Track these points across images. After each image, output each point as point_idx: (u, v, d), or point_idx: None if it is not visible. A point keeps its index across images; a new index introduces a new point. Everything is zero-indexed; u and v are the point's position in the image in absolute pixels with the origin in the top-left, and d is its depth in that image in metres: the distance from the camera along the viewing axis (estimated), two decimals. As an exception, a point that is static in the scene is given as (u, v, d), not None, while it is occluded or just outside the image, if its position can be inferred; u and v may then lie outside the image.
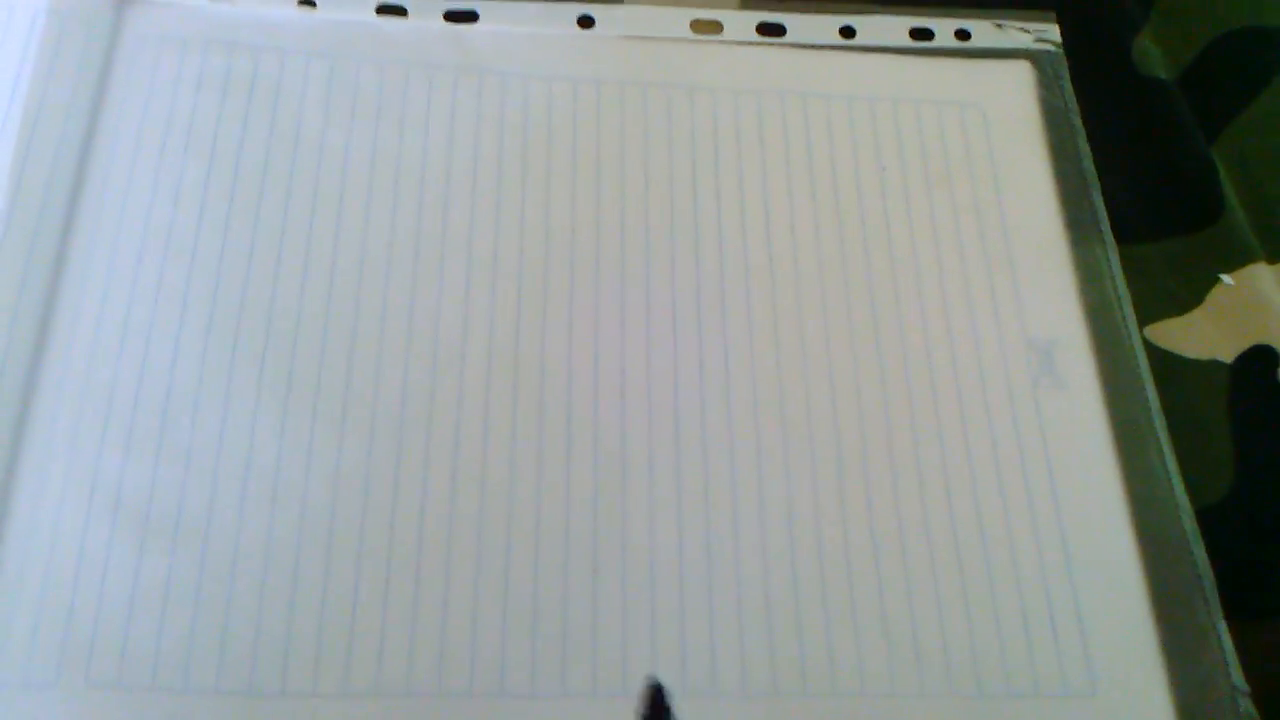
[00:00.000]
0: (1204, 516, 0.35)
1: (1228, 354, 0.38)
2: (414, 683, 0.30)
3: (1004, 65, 0.43)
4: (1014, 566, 0.33)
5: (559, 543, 0.32)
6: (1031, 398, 0.36)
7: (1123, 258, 0.39)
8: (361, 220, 0.36)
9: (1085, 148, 0.41)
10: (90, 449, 0.32)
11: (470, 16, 0.40)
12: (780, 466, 0.34)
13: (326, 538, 0.32)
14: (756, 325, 0.36)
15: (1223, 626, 0.33)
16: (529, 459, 0.33)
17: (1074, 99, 0.42)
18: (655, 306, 0.36)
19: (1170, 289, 0.39)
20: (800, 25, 0.42)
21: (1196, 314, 0.39)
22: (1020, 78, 0.43)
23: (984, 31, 0.43)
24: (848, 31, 0.42)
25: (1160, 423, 0.36)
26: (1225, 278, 0.40)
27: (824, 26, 0.42)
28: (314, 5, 0.40)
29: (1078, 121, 0.42)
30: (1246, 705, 0.32)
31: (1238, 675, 0.32)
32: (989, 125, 0.41)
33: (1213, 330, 0.39)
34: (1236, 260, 0.40)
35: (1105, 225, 0.40)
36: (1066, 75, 0.43)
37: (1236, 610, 0.33)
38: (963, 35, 0.43)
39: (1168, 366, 0.38)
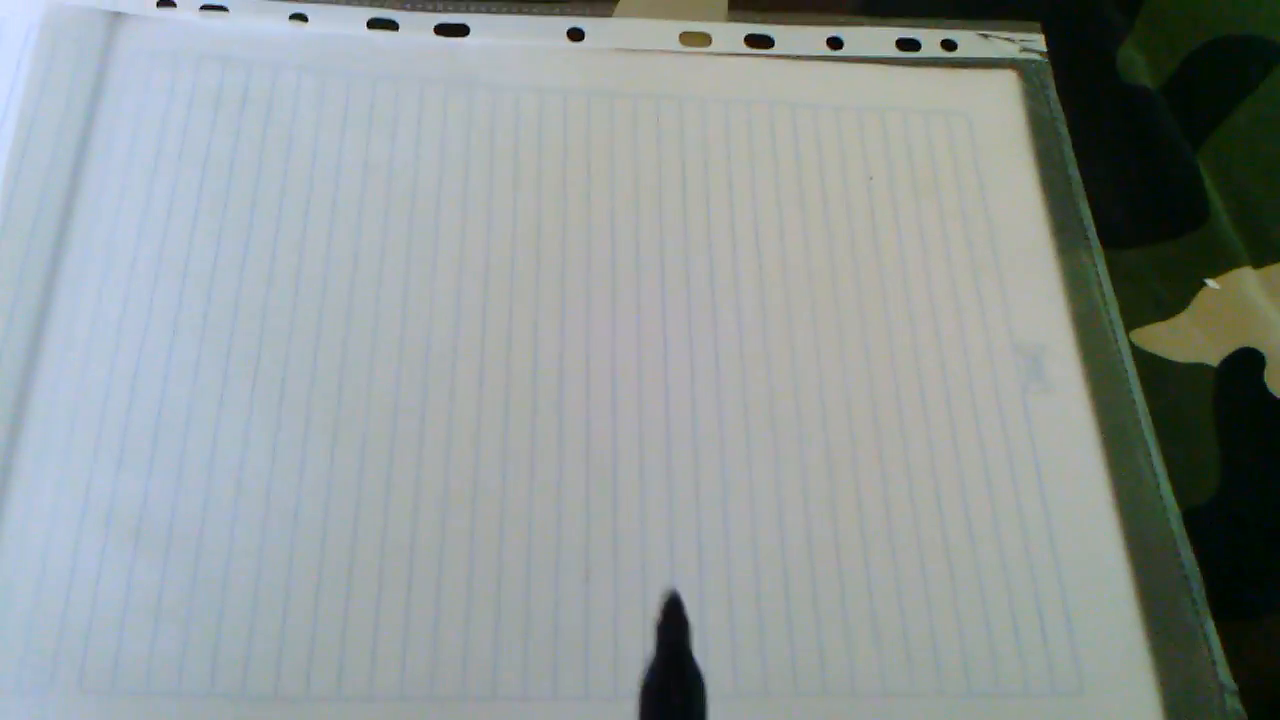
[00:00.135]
0: (1191, 518, 0.35)
1: (1213, 357, 0.38)
2: (407, 686, 0.30)
3: (990, 75, 0.43)
4: (1003, 567, 0.33)
5: (551, 546, 0.33)
6: (1020, 402, 0.36)
7: (1109, 263, 0.39)
8: (354, 233, 0.37)
9: (1071, 155, 0.42)
10: (84, 458, 0.32)
11: (461, 30, 0.41)
12: (771, 471, 0.34)
13: (319, 543, 0.32)
14: (747, 333, 0.37)
15: (1210, 626, 0.33)
16: (521, 464, 0.34)
17: (1060, 107, 0.43)
18: (646, 316, 0.36)
19: (1156, 293, 0.40)
20: (788, 37, 0.43)
21: (1182, 318, 0.39)
22: (1006, 87, 0.43)
23: (970, 42, 0.44)
24: (835, 42, 0.43)
25: (1147, 426, 0.36)
26: (1210, 282, 0.40)
27: (811, 38, 0.43)
28: (306, 20, 0.40)
29: (1063, 130, 0.42)
30: (1234, 703, 0.32)
31: (1225, 674, 0.32)
32: (975, 134, 0.42)
33: (1198, 334, 0.39)
34: (1221, 265, 0.40)
35: (1091, 231, 0.40)
36: (1052, 84, 0.43)
37: (1223, 609, 0.33)
38: (949, 45, 0.43)
39: (1154, 370, 0.38)
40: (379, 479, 0.33)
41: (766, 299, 0.37)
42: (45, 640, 0.30)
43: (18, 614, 0.30)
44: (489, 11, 0.41)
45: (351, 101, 0.39)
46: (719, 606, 0.32)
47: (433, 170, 0.38)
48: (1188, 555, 0.34)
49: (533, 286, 0.36)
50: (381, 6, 0.41)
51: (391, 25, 0.41)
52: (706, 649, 0.32)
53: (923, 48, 0.43)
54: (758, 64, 0.42)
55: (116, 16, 0.39)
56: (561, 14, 0.42)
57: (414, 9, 0.41)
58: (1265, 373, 0.38)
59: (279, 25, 0.40)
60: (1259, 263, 0.40)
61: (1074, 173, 0.41)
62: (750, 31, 0.43)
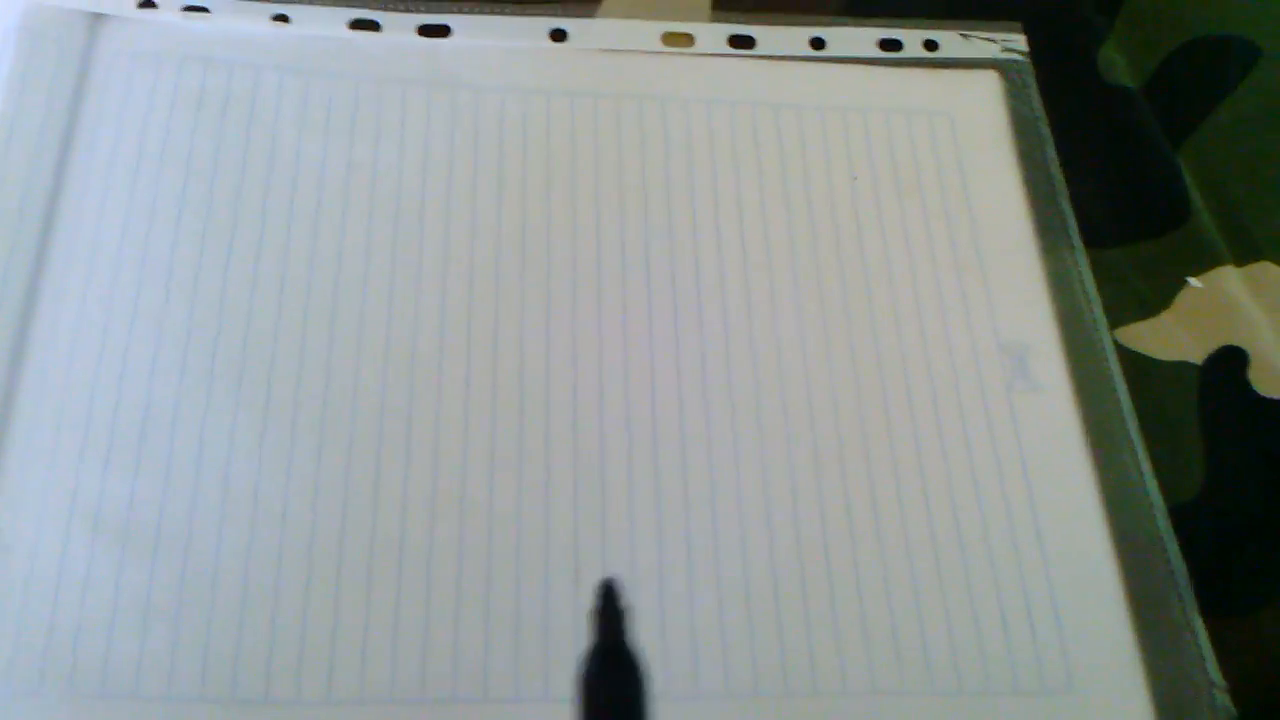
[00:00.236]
0: (1177, 515, 0.35)
1: (1197, 355, 0.39)
2: (397, 689, 0.30)
3: (972, 75, 0.43)
4: (991, 566, 0.33)
5: (540, 547, 0.32)
6: (1005, 401, 0.36)
7: (1092, 262, 0.40)
8: (337, 234, 0.36)
9: (1053, 155, 0.42)
10: (69, 461, 0.32)
11: (443, 31, 0.41)
12: (758, 471, 0.34)
13: (307, 546, 0.32)
14: (732, 334, 0.36)
15: (1198, 622, 0.33)
16: (509, 466, 0.33)
17: (1042, 107, 0.43)
18: (631, 317, 0.36)
19: (1139, 292, 0.40)
20: (771, 37, 0.43)
21: (1165, 316, 0.39)
22: (988, 87, 0.43)
23: (952, 42, 0.44)
24: (818, 43, 0.43)
25: (1133, 424, 0.36)
26: (1193, 280, 0.40)
27: (794, 38, 0.43)
28: (288, 21, 0.40)
29: (1045, 129, 0.42)
30: (1223, 699, 0.32)
31: (1214, 670, 0.32)
32: (958, 134, 0.42)
33: (1182, 332, 0.39)
34: (1203, 263, 0.40)
35: (1074, 230, 0.40)
36: (1034, 84, 0.43)
37: (1211, 606, 0.34)
38: (931, 46, 0.44)
39: (1139, 368, 0.38)
40: (366, 480, 0.33)
41: (752, 300, 0.37)
42: (33, 644, 0.30)
43: (5, 617, 0.30)
44: (471, 12, 0.41)
45: (334, 102, 0.39)
46: (708, 607, 0.32)
47: (416, 171, 0.38)
48: (1175, 552, 0.34)
49: (518, 288, 0.36)
50: (363, 7, 0.41)
51: (374, 26, 0.40)
52: (696, 651, 0.31)
53: (905, 48, 0.43)
54: (741, 64, 0.42)
55: (97, 18, 0.38)
56: (544, 14, 0.42)
57: (396, 10, 0.41)
58: (1249, 370, 0.38)
59: (261, 26, 0.40)
60: (1241, 261, 0.40)
61: (1056, 172, 0.41)
62: (733, 32, 0.42)
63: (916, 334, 0.37)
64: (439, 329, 0.35)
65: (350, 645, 0.31)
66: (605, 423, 0.34)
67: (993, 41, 0.44)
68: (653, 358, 0.36)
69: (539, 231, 0.37)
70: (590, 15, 0.42)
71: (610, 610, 0.31)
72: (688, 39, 0.42)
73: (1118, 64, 0.45)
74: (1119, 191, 0.42)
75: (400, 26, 0.41)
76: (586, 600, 0.32)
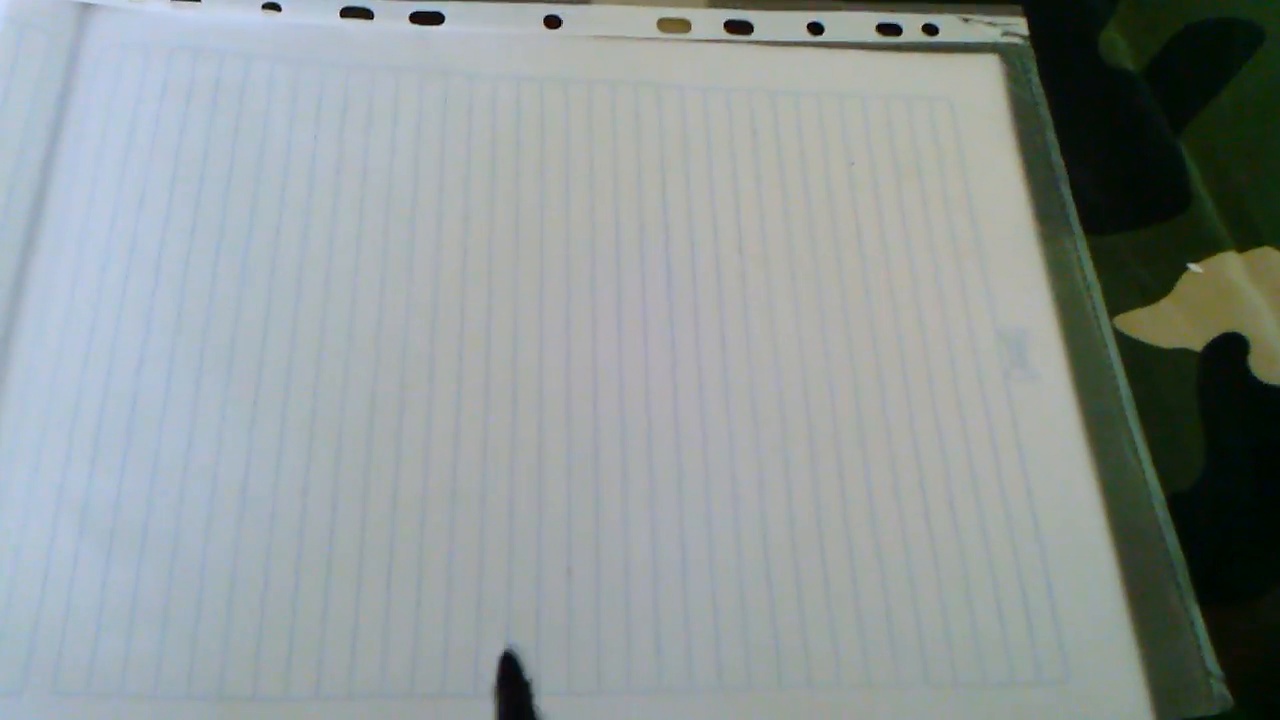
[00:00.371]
0: (1175, 503, 0.35)
1: (1197, 342, 0.38)
2: (387, 684, 0.30)
3: (972, 59, 0.43)
4: (988, 556, 0.33)
5: (532, 540, 0.32)
6: (1003, 389, 0.36)
7: (1092, 248, 0.39)
8: (328, 225, 0.36)
9: (1053, 140, 0.41)
10: (56, 457, 0.32)
11: (436, 18, 0.40)
12: (753, 461, 0.34)
13: (296, 541, 0.32)
14: (728, 321, 0.36)
15: (1196, 611, 0.33)
16: (500, 457, 0.33)
17: (1042, 92, 0.42)
18: (626, 305, 0.36)
19: (1139, 279, 0.40)
20: (768, 22, 0.42)
21: (1165, 303, 0.39)
22: (988, 71, 0.43)
23: (951, 26, 0.43)
24: (815, 28, 0.42)
25: (1131, 411, 0.36)
26: (1194, 266, 0.40)
27: (792, 23, 0.42)
28: (279, 9, 0.39)
29: (1046, 114, 0.42)
30: (1220, 689, 0.32)
31: (1211, 660, 0.32)
32: (957, 119, 0.41)
33: (1182, 319, 0.39)
34: (1204, 249, 0.40)
35: (1074, 216, 0.40)
36: (1034, 68, 0.43)
37: (1209, 595, 0.33)
38: (930, 30, 0.43)
39: (1138, 355, 0.38)
40: (356, 473, 0.33)
41: (748, 288, 0.37)
42: (19, 642, 0.30)
43: None
44: (464, -1, 0.41)
45: (325, 92, 0.38)
46: (702, 599, 0.32)
47: (408, 161, 0.38)
48: (1173, 541, 0.34)
49: (511, 277, 0.36)
50: (355, -6, 0.40)
51: (365, 14, 0.40)
52: (691, 644, 0.31)
53: (904, 32, 0.43)
54: (737, 50, 0.42)
55: (86, 7, 0.38)
56: (538, 1, 0.41)
57: (388, -3, 0.41)
58: (1249, 357, 0.38)
59: (251, 15, 0.39)
60: (1242, 247, 0.40)
61: (1056, 157, 0.41)
62: (730, 17, 0.42)
63: (914, 322, 0.37)
64: (431, 319, 0.35)
65: (339, 640, 0.30)
66: (599, 414, 0.34)
67: (993, 25, 0.44)
68: (647, 347, 0.36)
69: (532, 220, 0.37)
70: (585, 1, 0.42)
71: (514, 683, 0.31)
72: (684, 25, 0.42)
73: (1119, 47, 0.45)
74: (1120, 177, 0.42)
75: (392, 14, 0.40)
76: (580, 593, 0.32)
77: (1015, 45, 0.43)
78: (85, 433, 0.32)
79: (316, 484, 0.32)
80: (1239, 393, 0.37)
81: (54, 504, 0.31)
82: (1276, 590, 0.34)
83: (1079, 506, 0.34)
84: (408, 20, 0.40)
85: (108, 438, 0.32)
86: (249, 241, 0.35)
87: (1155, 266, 0.40)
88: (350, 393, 0.34)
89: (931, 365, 0.36)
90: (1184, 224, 0.41)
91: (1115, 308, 0.38)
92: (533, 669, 0.31)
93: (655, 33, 0.41)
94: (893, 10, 0.43)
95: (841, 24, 0.43)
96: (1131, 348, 0.38)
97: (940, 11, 0.44)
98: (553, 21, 0.41)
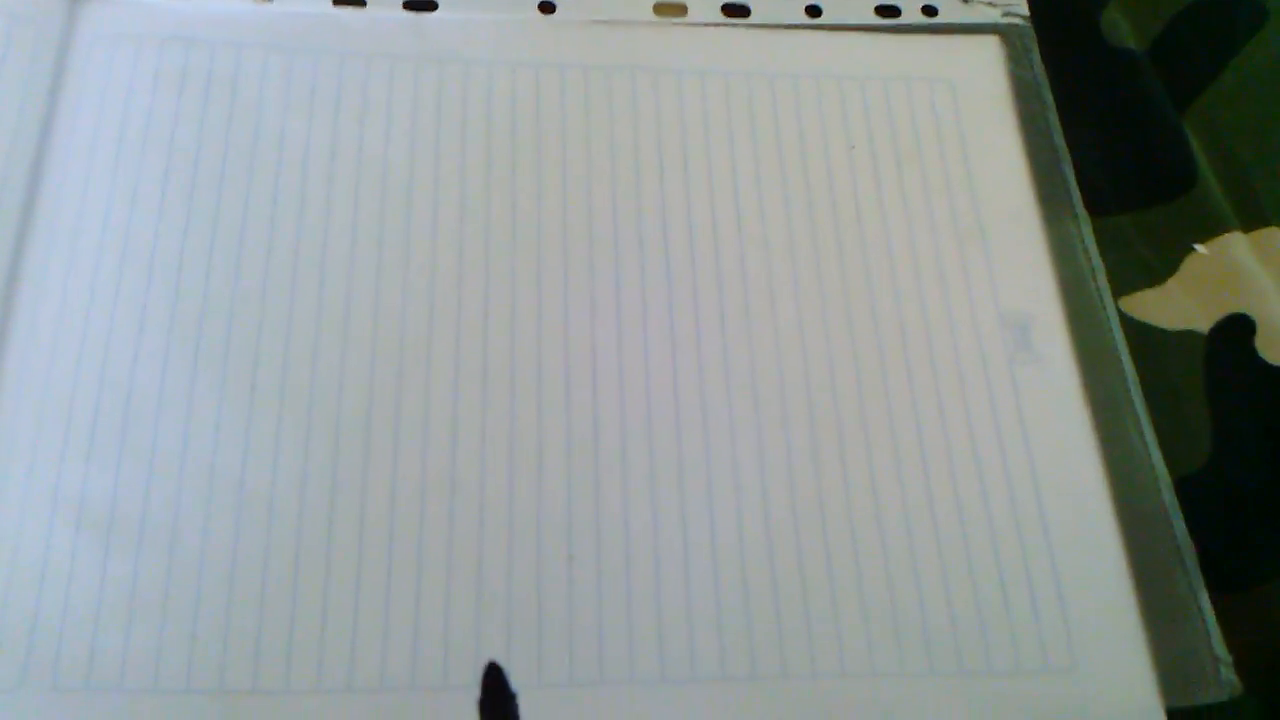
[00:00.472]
0: (1182, 487, 0.35)
1: (1203, 324, 0.38)
2: (388, 677, 0.30)
3: (972, 40, 0.42)
4: (993, 542, 0.33)
5: (532, 529, 0.32)
6: (1007, 373, 0.36)
7: (1096, 230, 0.39)
8: (323, 215, 0.36)
9: (1055, 121, 0.41)
10: (52, 452, 0.32)
11: (430, 4, 0.40)
12: (755, 449, 0.34)
13: (295, 534, 0.31)
14: (728, 307, 0.36)
15: (1203, 596, 0.33)
16: (499, 446, 0.33)
17: (1043, 72, 0.42)
18: (625, 291, 0.36)
19: (1144, 260, 0.39)
20: (765, 5, 0.42)
21: (1171, 284, 0.39)
22: (989, 52, 0.42)
23: (951, 7, 0.43)
24: (814, 10, 0.42)
25: (1137, 394, 0.36)
26: (1199, 247, 0.39)
27: (789, 6, 0.42)
28: (271, -2, 0.39)
29: (1048, 95, 0.42)
30: (1228, 674, 0.31)
31: (1219, 645, 0.32)
32: (958, 101, 0.41)
33: (1188, 300, 0.38)
34: (1210, 230, 0.40)
35: (1077, 198, 0.39)
36: (1035, 49, 0.42)
37: (1217, 580, 0.33)
38: (930, 11, 0.43)
39: (1143, 338, 0.37)
40: (355, 465, 0.32)
41: (748, 274, 0.37)
42: (17, 638, 0.29)
43: None
44: (459, -15, 0.41)
45: (319, 81, 0.38)
46: (705, 587, 0.32)
47: (404, 149, 0.37)
48: (1180, 526, 0.34)
49: (508, 264, 0.36)
50: (348, -18, 0.40)
51: (359, 1, 0.40)
52: (693, 633, 0.31)
53: (903, 14, 0.43)
54: (735, 34, 0.41)
55: (75, -1, 0.38)
56: (533, -14, 0.41)
57: (382, -16, 0.40)
58: (1256, 338, 0.37)
59: (244, 4, 0.39)
60: (1248, 227, 0.40)
61: (1059, 139, 0.41)
62: (726, 0, 0.42)
63: (916, 306, 0.37)
64: (428, 309, 0.35)
65: (340, 633, 0.30)
66: (598, 401, 0.34)
67: (993, 6, 0.43)
68: (646, 332, 0.35)
69: (530, 207, 0.37)
70: (580, -14, 0.41)
71: (498, 695, 0.30)
72: (680, 9, 0.41)
73: (1122, 26, 0.44)
74: (1123, 157, 0.41)
75: (385, 1, 0.40)
76: (581, 581, 0.31)
77: (1016, 25, 0.43)
78: (81, 427, 0.32)
79: (314, 475, 0.32)
80: (1246, 374, 0.37)
81: (50, 499, 0.31)
82: (1285, 574, 0.34)
83: (1085, 491, 0.34)
84: (401, 7, 0.40)
85: (104, 432, 0.32)
86: (244, 232, 0.35)
87: (1160, 248, 0.39)
88: (347, 383, 0.33)
89: (934, 349, 0.36)
90: (1189, 204, 0.40)
91: (1120, 289, 0.38)
92: (533, 660, 0.30)
93: (651, 17, 0.41)
94: (892, -8, 0.43)
95: (840, 6, 0.42)
96: (1137, 330, 0.38)
97: (939, -8, 0.43)
98: (547, 7, 0.41)
